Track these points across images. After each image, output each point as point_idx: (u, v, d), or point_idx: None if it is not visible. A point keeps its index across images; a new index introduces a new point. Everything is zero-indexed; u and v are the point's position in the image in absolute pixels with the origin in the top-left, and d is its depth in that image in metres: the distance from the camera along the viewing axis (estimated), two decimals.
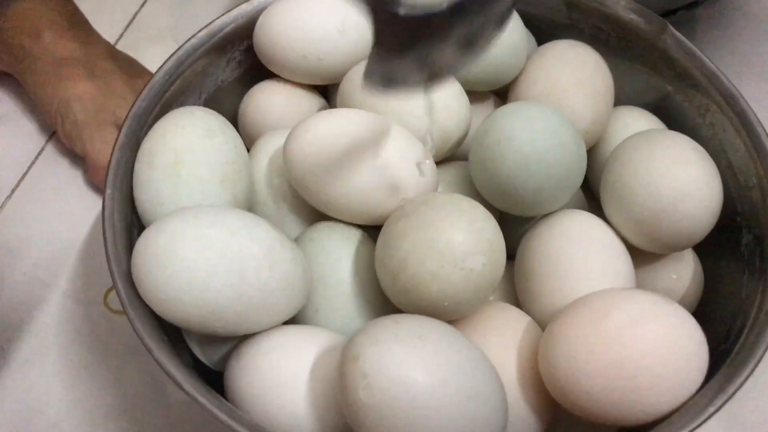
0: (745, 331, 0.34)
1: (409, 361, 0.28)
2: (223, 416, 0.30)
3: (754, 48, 0.60)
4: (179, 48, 0.40)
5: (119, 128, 0.37)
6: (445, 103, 0.39)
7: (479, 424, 0.28)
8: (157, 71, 0.39)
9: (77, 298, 0.48)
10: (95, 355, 0.46)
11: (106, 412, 0.44)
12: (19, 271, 0.49)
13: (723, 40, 0.60)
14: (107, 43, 0.55)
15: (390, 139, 0.36)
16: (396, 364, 0.28)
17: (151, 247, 0.32)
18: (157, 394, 0.45)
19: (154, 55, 0.39)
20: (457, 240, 0.32)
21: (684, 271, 0.39)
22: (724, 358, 0.33)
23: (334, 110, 0.37)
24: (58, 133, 0.53)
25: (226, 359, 0.36)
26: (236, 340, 0.35)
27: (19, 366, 0.45)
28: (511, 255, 0.39)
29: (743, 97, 0.39)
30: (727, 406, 0.44)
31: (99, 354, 0.46)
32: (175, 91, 0.40)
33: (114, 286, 0.33)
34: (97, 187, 0.52)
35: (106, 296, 0.48)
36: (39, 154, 0.54)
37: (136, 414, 0.44)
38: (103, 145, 0.50)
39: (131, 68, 0.54)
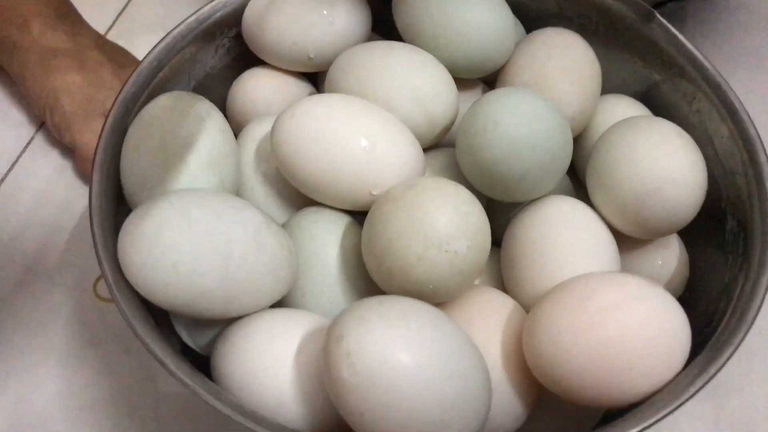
0: (728, 313, 0.34)
1: (393, 341, 0.28)
2: (208, 396, 0.30)
3: (744, 39, 0.60)
4: (167, 34, 0.40)
5: (101, 130, 0.37)
6: (434, 90, 0.39)
7: (463, 403, 0.29)
8: (145, 57, 0.39)
9: (66, 286, 0.48)
10: (84, 344, 0.46)
11: (95, 401, 0.44)
12: (7, 260, 0.49)
13: (712, 32, 0.60)
14: (97, 34, 0.55)
15: (377, 125, 0.36)
16: (379, 343, 0.28)
17: (137, 229, 0.32)
18: (146, 383, 0.45)
19: (145, 46, 0.39)
20: (442, 223, 0.32)
21: (669, 257, 0.39)
22: (707, 341, 0.33)
23: (321, 95, 0.37)
24: (47, 125, 0.52)
25: (213, 343, 0.36)
26: (223, 324, 0.35)
27: (8, 354, 0.45)
28: (497, 242, 0.39)
29: (729, 84, 0.39)
30: (713, 399, 0.45)
31: (88, 342, 0.46)
32: (163, 77, 0.40)
33: (101, 270, 0.33)
34: (87, 178, 0.52)
35: (95, 284, 0.48)
36: (28, 144, 0.54)
37: (125, 403, 0.44)
38: (92, 137, 0.50)
39: (121, 59, 0.54)
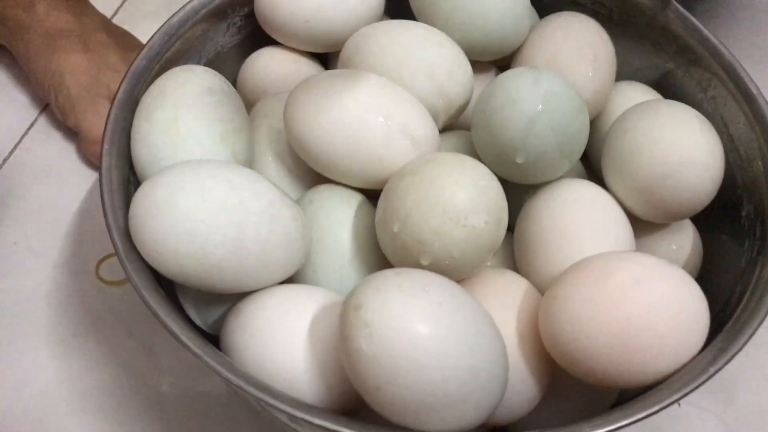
0: (746, 296, 0.34)
1: (412, 311, 0.28)
2: (221, 369, 0.29)
3: (750, 36, 0.60)
4: (180, 9, 0.40)
5: (111, 104, 0.36)
6: (449, 69, 0.38)
7: (481, 376, 0.28)
8: (157, 31, 0.39)
9: (68, 268, 0.48)
10: (85, 326, 0.45)
11: (96, 384, 0.44)
12: (9, 241, 0.48)
13: (721, 29, 0.60)
14: (102, 16, 0.55)
15: (393, 101, 0.36)
16: (399, 313, 0.28)
17: (149, 198, 0.31)
18: (149, 366, 0.44)
19: (150, 30, 0.39)
20: (460, 197, 0.32)
21: (684, 242, 0.39)
22: (725, 323, 0.33)
23: (336, 71, 0.37)
24: (51, 107, 0.52)
25: (221, 322, 0.35)
26: (232, 302, 0.35)
27: (8, 335, 0.45)
28: (511, 227, 0.38)
29: (745, 70, 0.39)
30: (721, 391, 0.44)
31: (89, 325, 0.46)
32: (174, 52, 0.39)
33: (111, 242, 0.33)
34: (90, 161, 0.52)
35: (97, 267, 0.48)
36: (31, 125, 0.54)
37: (127, 387, 0.44)
38: (96, 119, 0.50)
39: (126, 42, 0.54)
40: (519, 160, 0.35)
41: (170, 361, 0.44)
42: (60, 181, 0.51)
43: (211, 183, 0.31)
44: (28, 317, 0.46)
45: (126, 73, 0.37)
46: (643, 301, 0.30)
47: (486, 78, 0.43)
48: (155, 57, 0.38)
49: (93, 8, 0.55)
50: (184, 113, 0.35)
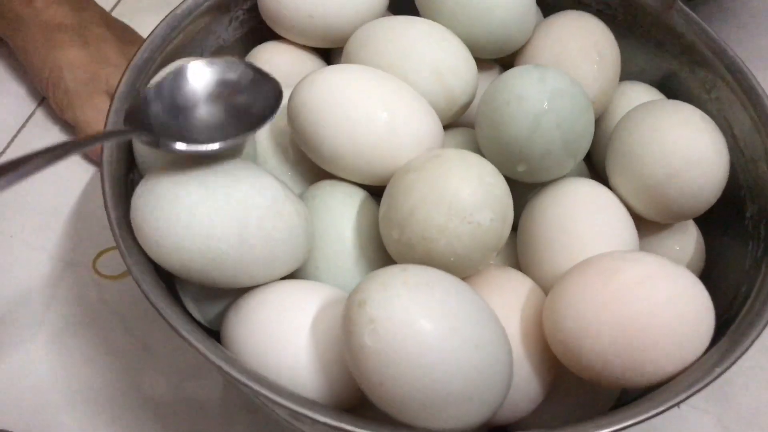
0: (751, 297, 0.34)
1: (417, 307, 0.28)
2: (221, 362, 0.29)
3: (754, 40, 0.60)
4: (182, 2, 0.39)
5: (112, 97, 0.36)
6: (453, 65, 0.38)
7: (486, 373, 0.28)
8: (159, 23, 0.38)
9: (65, 262, 0.47)
10: (81, 321, 0.45)
11: (91, 379, 0.43)
12: (5, 233, 0.48)
13: (723, 32, 0.60)
14: (102, 10, 0.54)
15: (397, 97, 0.35)
16: (404, 309, 0.27)
17: (152, 191, 0.31)
18: (144, 363, 0.44)
19: (150, 25, 0.39)
20: (466, 193, 0.31)
21: (687, 243, 0.39)
22: (729, 324, 0.33)
23: (340, 65, 0.37)
24: (49, 101, 0.51)
25: (221, 317, 0.35)
26: (232, 298, 0.34)
27: (4, 328, 0.44)
28: (514, 225, 0.38)
29: (750, 71, 0.39)
30: (719, 394, 0.44)
31: (85, 319, 0.45)
32: (176, 45, 0.39)
33: (113, 235, 0.32)
34: (88, 156, 0.51)
35: (95, 261, 0.47)
36: (29, 118, 0.53)
37: (122, 383, 0.43)
38: (94, 114, 0.49)
39: (126, 36, 0.53)
40: (520, 169, 0.35)
41: (167, 358, 0.44)
42: (57, 175, 0.51)
43: (214, 177, 0.31)
44: (23, 311, 0.45)
45: (127, 65, 0.37)
46: (649, 300, 0.30)
47: (489, 76, 0.43)
48: (157, 50, 0.38)
49: (92, 1, 0.54)
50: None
